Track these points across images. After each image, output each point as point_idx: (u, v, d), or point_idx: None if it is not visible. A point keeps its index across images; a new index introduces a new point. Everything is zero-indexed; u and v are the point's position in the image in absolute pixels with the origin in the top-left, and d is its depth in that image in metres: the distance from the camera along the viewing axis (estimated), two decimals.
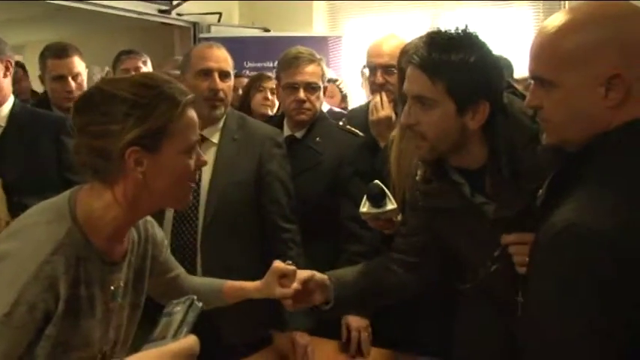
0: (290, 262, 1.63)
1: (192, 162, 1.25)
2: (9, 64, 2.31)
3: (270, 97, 3.43)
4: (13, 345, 1.07)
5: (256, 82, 3.49)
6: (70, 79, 2.78)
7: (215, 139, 2.13)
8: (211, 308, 1.66)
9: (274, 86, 2.92)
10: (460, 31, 1.40)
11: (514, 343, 1.46)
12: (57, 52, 2.80)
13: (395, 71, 2.20)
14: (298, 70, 2.29)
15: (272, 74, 3.49)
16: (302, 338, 1.95)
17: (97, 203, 1.22)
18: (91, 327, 1.22)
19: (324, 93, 2.43)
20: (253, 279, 1.67)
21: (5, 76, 2.30)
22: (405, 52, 1.90)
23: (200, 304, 1.19)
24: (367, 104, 2.52)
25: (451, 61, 1.37)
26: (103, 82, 1.26)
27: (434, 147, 1.44)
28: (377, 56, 2.38)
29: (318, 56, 2.38)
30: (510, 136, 1.42)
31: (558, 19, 1.10)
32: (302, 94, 2.27)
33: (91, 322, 1.22)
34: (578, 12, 1.10)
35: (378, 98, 2.28)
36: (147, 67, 3.41)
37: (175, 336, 1.08)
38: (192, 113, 1.25)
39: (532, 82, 1.17)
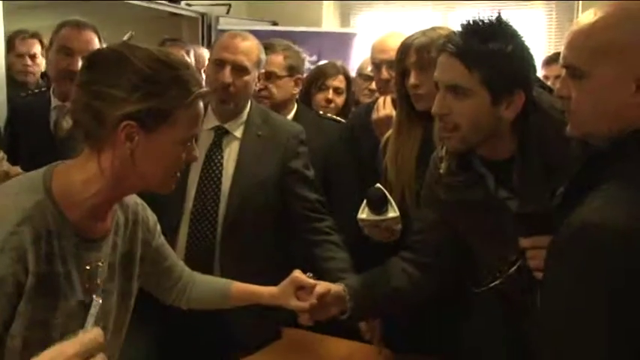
0: (311, 275, 1.59)
1: (184, 154, 1.21)
2: None
3: (331, 96, 2.88)
4: None
5: (319, 80, 2.88)
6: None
7: (238, 133, 2.04)
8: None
9: (340, 84, 2.87)
10: (495, 20, 1.38)
11: (524, 346, 1.43)
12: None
13: None
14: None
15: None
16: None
17: (79, 176, 1.17)
18: (73, 308, 1.17)
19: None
20: (270, 283, 1.62)
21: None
22: (405, 47, 1.85)
23: (100, 301, 1.19)
24: (370, 103, 2.47)
25: (489, 50, 1.34)
26: (123, 44, 1.20)
27: (465, 137, 1.41)
28: (381, 52, 2.33)
29: (284, 45, 2.51)
30: (541, 127, 1.39)
31: (599, 11, 1.10)
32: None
33: (72, 303, 1.17)
34: (620, 8, 1.09)
35: (382, 98, 2.22)
36: (190, 58, 3.32)
37: (83, 328, 1.10)
38: (200, 106, 1.21)
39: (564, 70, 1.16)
